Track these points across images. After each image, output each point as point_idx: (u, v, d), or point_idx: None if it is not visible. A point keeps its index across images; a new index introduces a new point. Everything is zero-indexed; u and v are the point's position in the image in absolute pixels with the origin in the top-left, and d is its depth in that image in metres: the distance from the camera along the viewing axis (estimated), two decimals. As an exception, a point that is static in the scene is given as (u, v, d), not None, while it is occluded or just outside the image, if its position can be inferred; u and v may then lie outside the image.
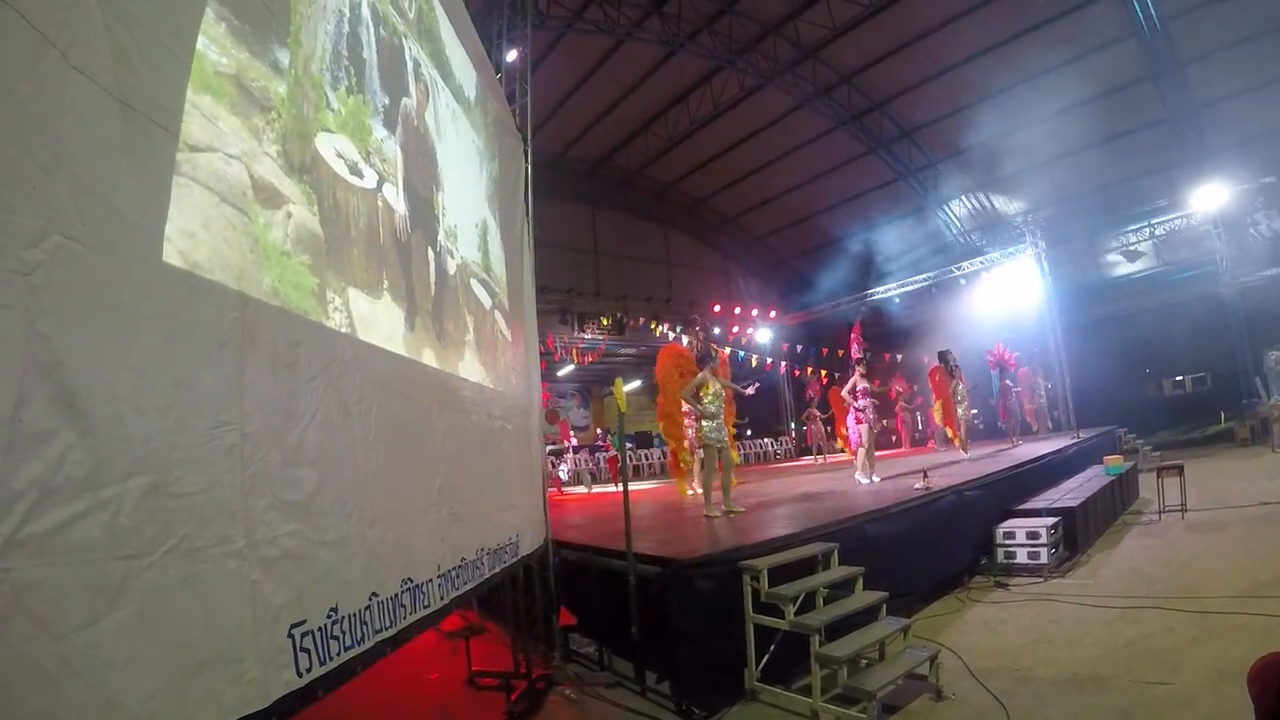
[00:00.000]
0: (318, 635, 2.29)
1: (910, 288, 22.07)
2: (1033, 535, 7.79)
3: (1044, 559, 7.66)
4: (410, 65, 3.97)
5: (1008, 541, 7.95)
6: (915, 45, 17.23)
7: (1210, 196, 17.55)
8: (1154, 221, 18.95)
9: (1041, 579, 7.48)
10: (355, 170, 3.12)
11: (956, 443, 14.48)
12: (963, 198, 22.39)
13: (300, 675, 2.19)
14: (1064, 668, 4.99)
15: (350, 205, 3.06)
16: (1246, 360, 17.71)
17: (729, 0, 16.40)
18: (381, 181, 3.40)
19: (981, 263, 20.00)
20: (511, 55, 6.61)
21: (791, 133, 20.79)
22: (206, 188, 2.07)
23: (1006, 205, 20.38)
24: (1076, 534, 8.29)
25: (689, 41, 17.03)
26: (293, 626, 2.19)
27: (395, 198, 3.58)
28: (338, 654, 2.39)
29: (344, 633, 2.45)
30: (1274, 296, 16.97)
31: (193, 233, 2.00)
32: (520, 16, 6.43)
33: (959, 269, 20.56)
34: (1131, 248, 19.47)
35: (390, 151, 3.57)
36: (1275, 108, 16.32)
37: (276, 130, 2.48)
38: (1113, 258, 20.08)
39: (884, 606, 5.40)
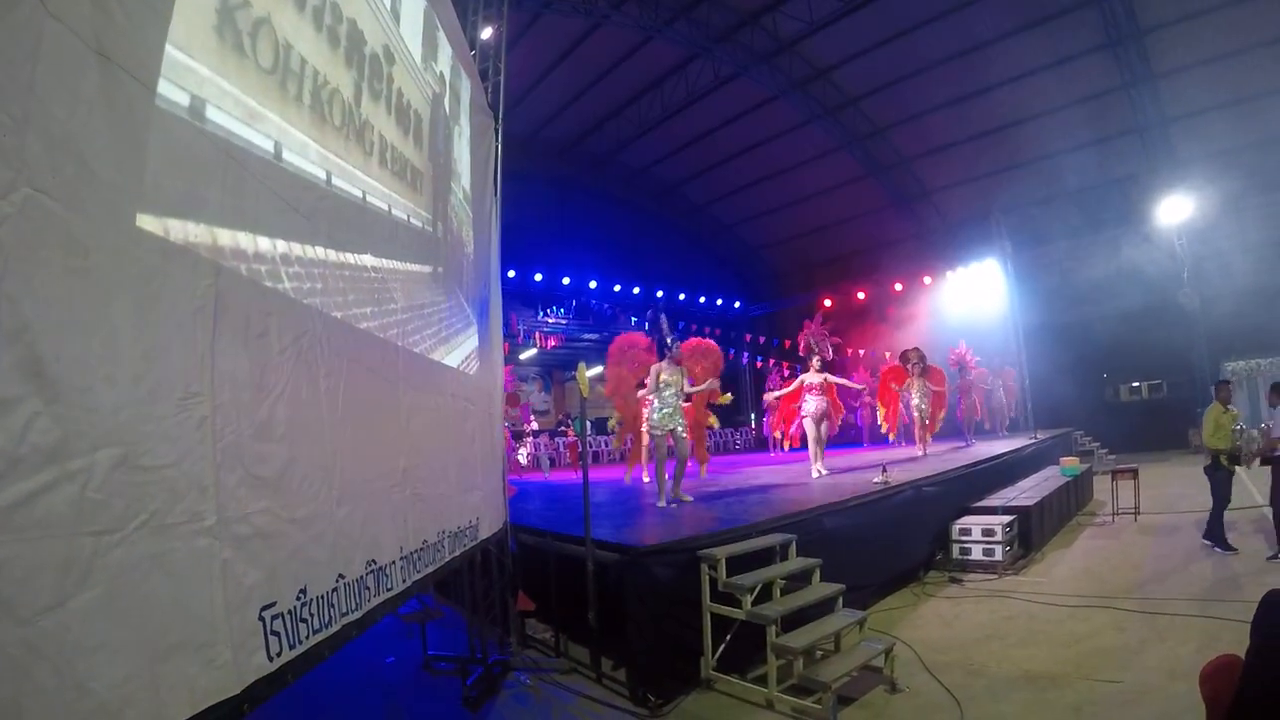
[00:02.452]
0: (288, 618, 2.23)
1: (876, 284, 22.35)
2: (988, 532, 7.96)
3: (999, 556, 7.84)
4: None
5: (964, 538, 8.12)
6: (893, 43, 17.34)
7: (1175, 208, 18.06)
8: (1119, 229, 19.44)
9: (996, 576, 7.65)
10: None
11: (893, 438, 14.90)
12: (932, 196, 22.71)
13: (271, 659, 2.13)
14: (1016, 664, 5.10)
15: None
16: (1204, 369, 18.29)
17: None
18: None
19: (949, 263, 20.33)
20: (486, 33, 6.47)
21: (764, 124, 20.81)
22: (187, 148, 1.98)
23: (975, 207, 20.71)
24: (1031, 533, 8.51)
25: (665, 28, 16.91)
26: (263, 608, 2.13)
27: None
28: (306, 637, 2.33)
29: (312, 615, 2.39)
30: (1232, 308, 17.52)
31: (167, 196, 1.91)
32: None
33: (926, 268, 20.87)
34: (1096, 255, 19.91)
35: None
36: (1241, 125, 16.93)
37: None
38: (1077, 264, 20.51)
39: (840, 599, 5.51)
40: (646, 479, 10.73)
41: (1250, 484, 9.94)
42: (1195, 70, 16.37)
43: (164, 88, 1.90)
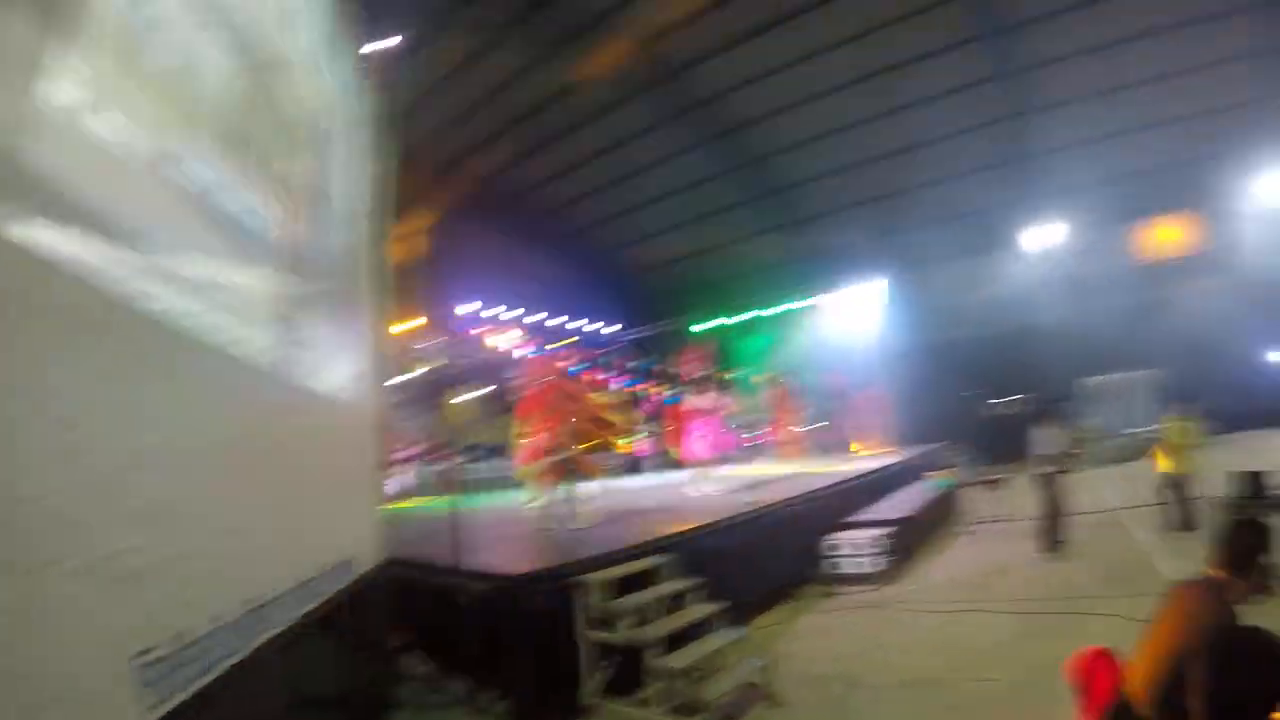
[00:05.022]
0: (163, 665, 2.05)
1: (757, 309, 23.10)
2: (861, 546, 8.30)
3: (872, 568, 8.17)
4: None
5: (838, 552, 8.41)
6: (781, 72, 18.09)
7: (1039, 235, 20.01)
8: (990, 254, 21.06)
9: (871, 587, 7.97)
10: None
11: (793, 455, 15.36)
12: (813, 221, 23.68)
13: (149, 711, 1.95)
14: (896, 670, 5.33)
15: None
16: (1065, 385, 19.88)
17: (600, 12, 16.49)
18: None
19: (826, 286, 21.31)
20: (383, 45, 6.32)
21: (652, 148, 21.15)
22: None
23: (854, 232, 21.84)
24: (903, 544, 8.90)
25: (558, 50, 17.00)
26: (137, 655, 1.95)
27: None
28: (186, 685, 2.14)
29: (192, 660, 2.20)
30: (1090, 327, 19.41)
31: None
32: (396, 7, 6.18)
33: (805, 291, 21.77)
34: (968, 278, 21.41)
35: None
36: (1102, 159, 19.04)
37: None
38: (949, 286, 21.93)
39: (719, 617, 5.57)
40: (536, 503, 10.56)
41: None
42: (1062, 109, 18.30)
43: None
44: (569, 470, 7.82)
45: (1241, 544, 2.70)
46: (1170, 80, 17.06)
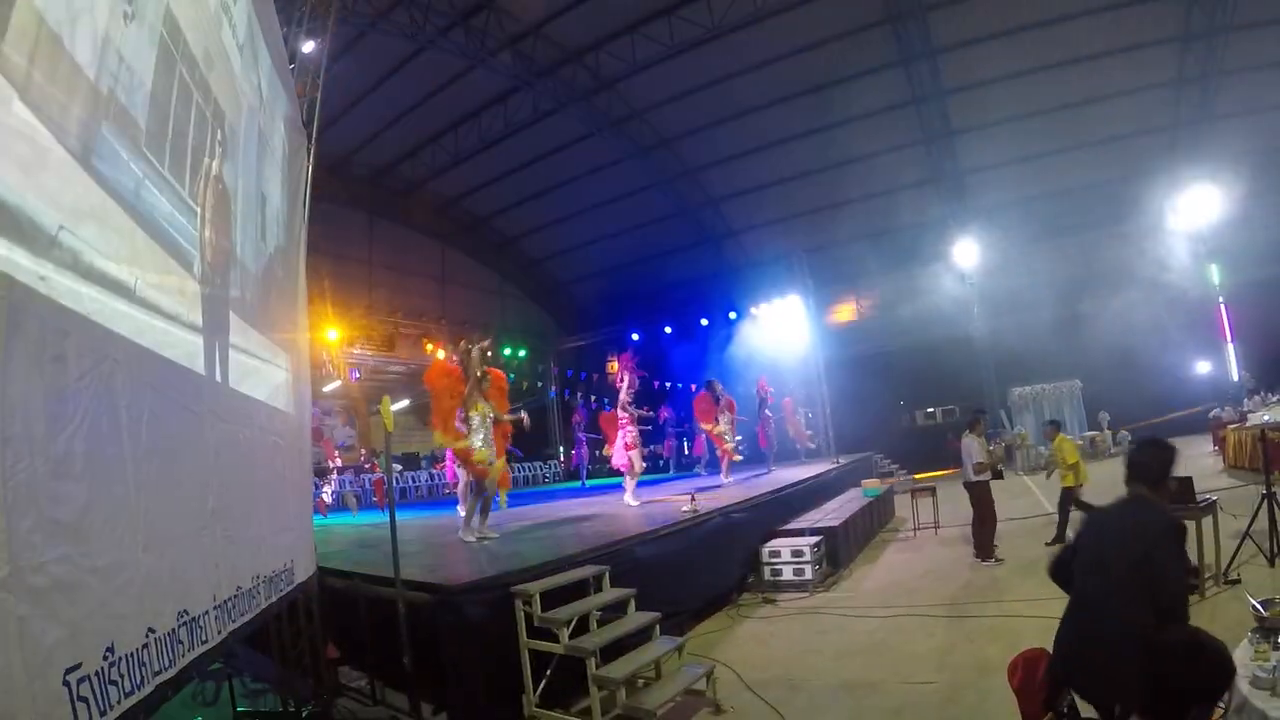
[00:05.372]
0: (95, 680, 1.95)
1: (684, 318, 23.29)
2: (797, 553, 8.43)
3: (809, 575, 8.31)
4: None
5: (774, 560, 8.53)
6: (709, 89, 18.39)
7: (966, 251, 20.70)
8: (918, 269, 21.70)
9: (807, 594, 8.10)
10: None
11: (724, 464, 15.45)
12: (739, 236, 24.18)
13: (81, 730, 1.84)
14: (835, 675, 5.42)
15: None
16: (994, 395, 20.77)
17: (536, 22, 16.53)
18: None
19: (755, 299, 21.62)
20: (308, 46, 6.15)
21: (579, 161, 21.21)
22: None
23: (781, 246, 22.16)
24: (838, 551, 9.08)
25: (491, 58, 16.93)
26: (68, 671, 1.85)
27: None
28: (118, 701, 2.04)
29: (122, 676, 2.10)
30: (1019, 339, 20.08)
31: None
32: (324, 7, 6.01)
33: (733, 303, 22.05)
34: (896, 291, 21.96)
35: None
36: (1027, 179, 20.01)
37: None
38: (878, 299, 22.52)
39: (657, 626, 5.58)
40: (464, 513, 10.38)
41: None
42: (989, 129, 19.11)
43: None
44: (482, 480, 7.70)
45: (1155, 459, 3.21)
46: (1092, 104, 18.14)
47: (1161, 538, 2.86)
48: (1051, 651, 3.01)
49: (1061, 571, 3.24)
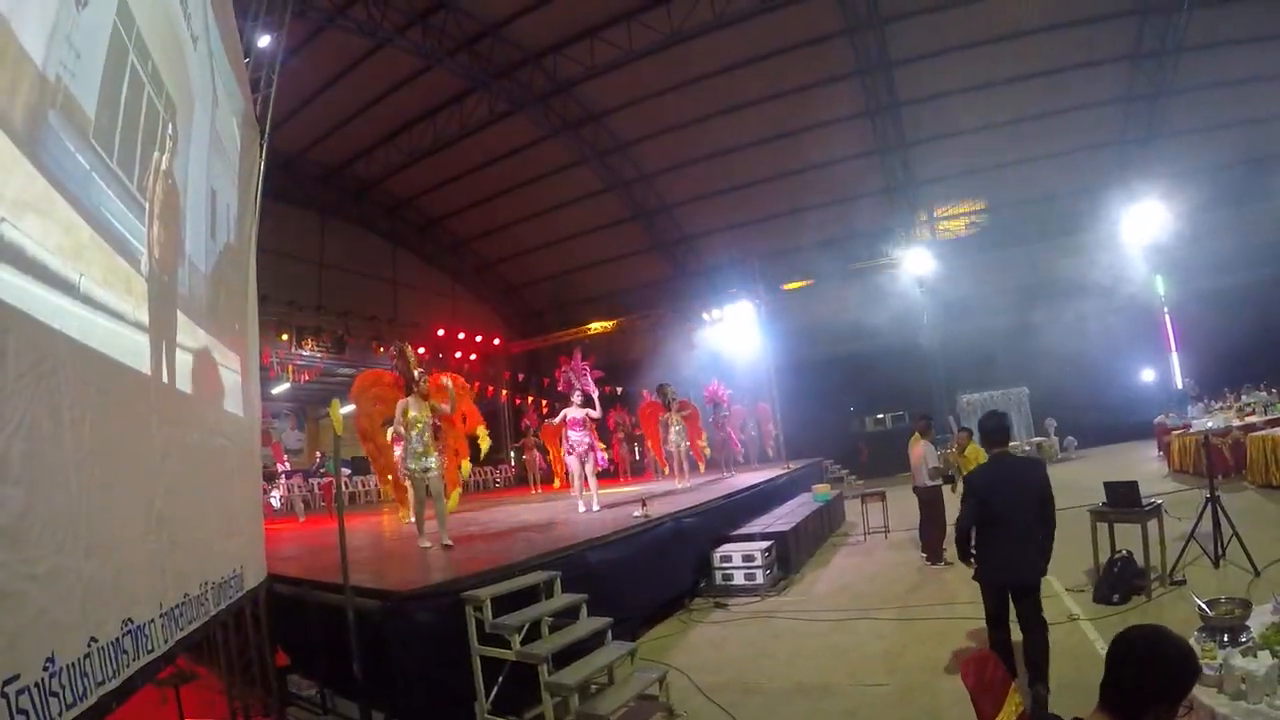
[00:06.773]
0: (35, 692, 1.86)
1: (636, 324, 23.32)
2: (748, 558, 8.49)
3: (760, 579, 8.37)
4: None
5: (725, 564, 8.58)
6: (664, 96, 18.51)
7: (917, 259, 21.08)
8: (869, 277, 22.02)
9: (759, 598, 8.15)
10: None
11: (666, 471, 15.50)
12: (692, 241, 24.31)
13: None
14: (788, 678, 5.46)
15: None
16: (942, 401, 21.08)
17: (495, 23, 16.43)
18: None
19: (707, 304, 21.76)
20: (264, 41, 6.01)
21: (534, 163, 21.11)
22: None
23: (733, 252, 22.39)
24: (790, 555, 9.16)
25: (448, 58, 16.76)
26: (6, 683, 1.77)
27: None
28: (59, 713, 1.95)
29: (64, 687, 2.01)
30: (967, 347, 20.68)
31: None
32: (280, 1, 5.89)
33: (685, 308, 22.15)
34: (847, 298, 22.15)
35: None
36: (975, 191, 20.91)
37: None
38: (829, 306, 22.75)
39: (609, 632, 5.56)
40: (409, 520, 10.19)
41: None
42: (944, 141, 19.58)
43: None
44: (426, 486, 7.43)
45: (1000, 426, 4.65)
46: (1044, 119, 18.73)
47: (1046, 477, 4.47)
48: (987, 567, 4.43)
49: (968, 531, 4.46)
